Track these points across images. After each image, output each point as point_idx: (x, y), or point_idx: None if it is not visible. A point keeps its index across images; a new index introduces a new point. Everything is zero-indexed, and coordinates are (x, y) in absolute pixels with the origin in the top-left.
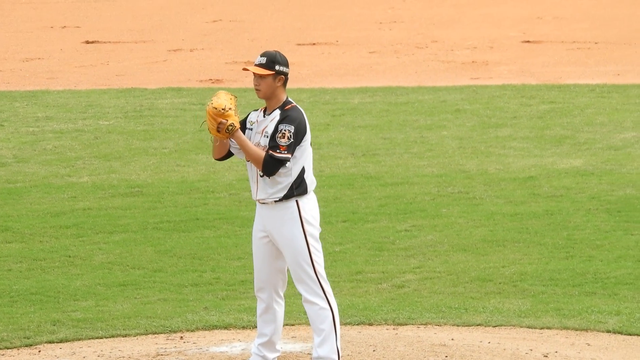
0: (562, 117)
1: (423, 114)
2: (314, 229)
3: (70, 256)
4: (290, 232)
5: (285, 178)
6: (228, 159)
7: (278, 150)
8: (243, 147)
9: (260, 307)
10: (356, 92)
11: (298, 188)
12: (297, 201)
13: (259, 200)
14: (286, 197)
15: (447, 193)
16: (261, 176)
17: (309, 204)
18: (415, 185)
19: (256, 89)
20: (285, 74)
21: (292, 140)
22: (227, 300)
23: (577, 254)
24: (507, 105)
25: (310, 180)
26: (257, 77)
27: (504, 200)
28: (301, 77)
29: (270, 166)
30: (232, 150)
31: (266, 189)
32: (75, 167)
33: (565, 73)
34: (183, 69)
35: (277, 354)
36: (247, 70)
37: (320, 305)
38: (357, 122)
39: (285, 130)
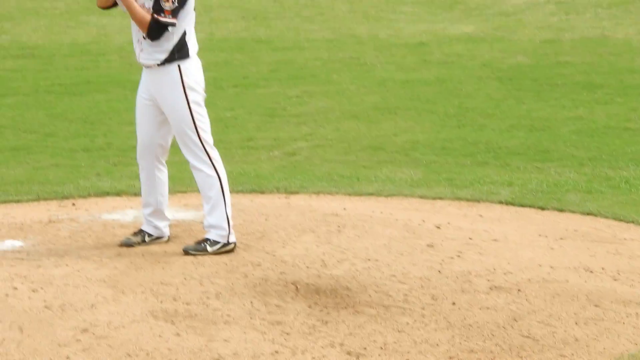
0: None
1: None
2: (197, 94)
3: None
4: (172, 97)
5: (166, 42)
6: (112, 9)
7: (162, 15)
8: (128, 8)
9: (142, 175)
10: None
11: (179, 52)
12: (179, 65)
13: (142, 64)
14: (167, 60)
15: (338, 58)
16: (144, 38)
17: (191, 68)
18: (306, 50)
19: None
20: None
21: (176, 4)
22: (119, 167)
23: (469, 122)
24: None
25: (192, 43)
26: None
27: (395, 66)
28: None
29: (155, 31)
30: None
31: (149, 52)
32: None
33: None
34: None
35: (168, 222)
36: None
37: (207, 172)
38: None
39: None
